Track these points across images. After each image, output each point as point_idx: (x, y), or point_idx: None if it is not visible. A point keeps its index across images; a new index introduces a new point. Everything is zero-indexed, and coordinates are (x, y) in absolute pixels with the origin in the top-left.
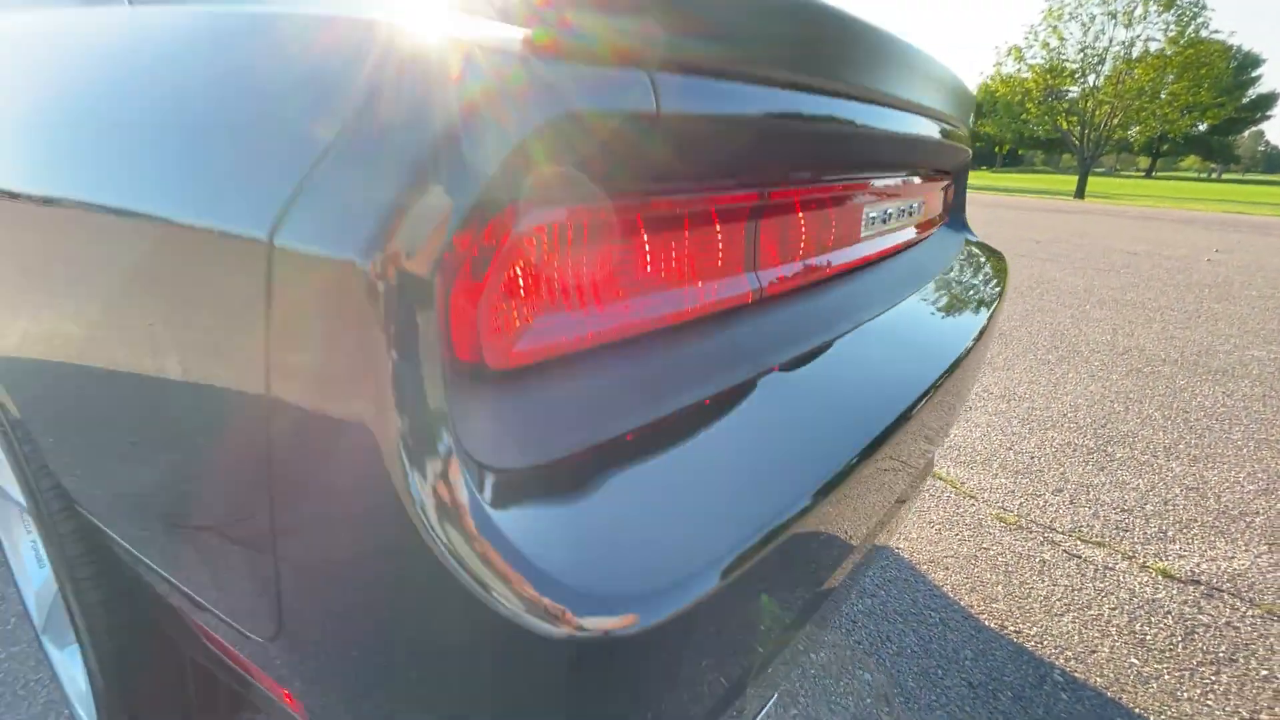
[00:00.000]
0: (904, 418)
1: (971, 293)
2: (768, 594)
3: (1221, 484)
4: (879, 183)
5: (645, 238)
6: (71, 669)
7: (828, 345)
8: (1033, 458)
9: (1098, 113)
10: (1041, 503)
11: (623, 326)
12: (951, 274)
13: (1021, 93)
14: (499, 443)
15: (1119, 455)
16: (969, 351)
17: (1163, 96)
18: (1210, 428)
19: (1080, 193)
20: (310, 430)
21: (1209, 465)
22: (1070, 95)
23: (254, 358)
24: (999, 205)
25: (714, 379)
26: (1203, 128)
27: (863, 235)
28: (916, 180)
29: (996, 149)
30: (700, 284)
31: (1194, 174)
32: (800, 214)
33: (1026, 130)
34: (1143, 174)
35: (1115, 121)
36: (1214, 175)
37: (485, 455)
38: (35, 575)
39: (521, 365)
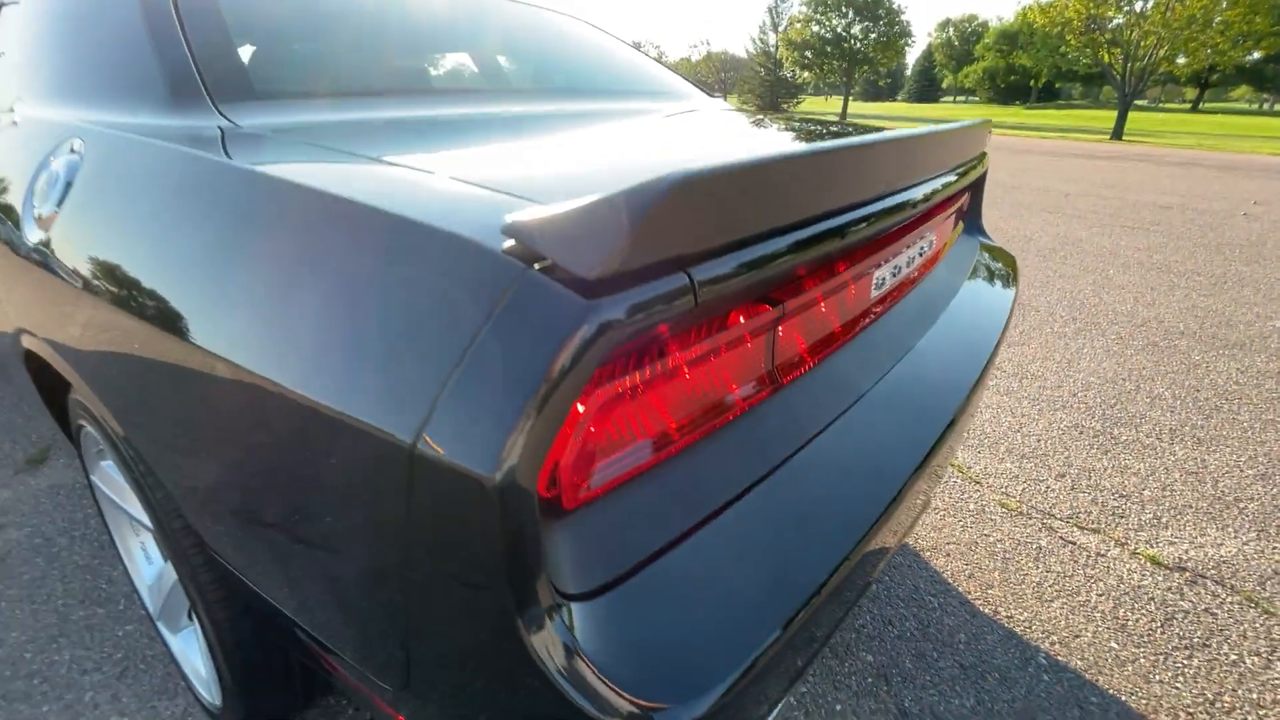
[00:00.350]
0: (934, 450)
1: (985, 309)
2: (813, 630)
3: (1221, 468)
4: (893, 242)
5: (687, 374)
6: (187, 652)
7: (855, 402)
8: (1039, 441)
9: (1143, 44)
10: (1044, 488)
11: (668, 450)
12: (965, 294)
13: (1061, 23)
14: (573, 570)
15: (1124, 438)
16: (986, 365)
17: (1215, 24)
18: (1218, 408)
19: (1118, 133)
20: (443, 576)
21: (1211, 448)
22: (1114, 24)
23: (388, 532)
24: (1030, 151)
25: (751, 465)
26: (1256, 56)
27: (882, 289)
28: (932, 219)
29: (1032, 82)
30: (736, 390)
31: (1245, 104)
32: (821, 304)
33: (1065, 63)
34: (1189, 106)
35: (1161, 53)
36: (1266, 106)
37: (563, 583)
38: (146, 571)
39: (588, 501)
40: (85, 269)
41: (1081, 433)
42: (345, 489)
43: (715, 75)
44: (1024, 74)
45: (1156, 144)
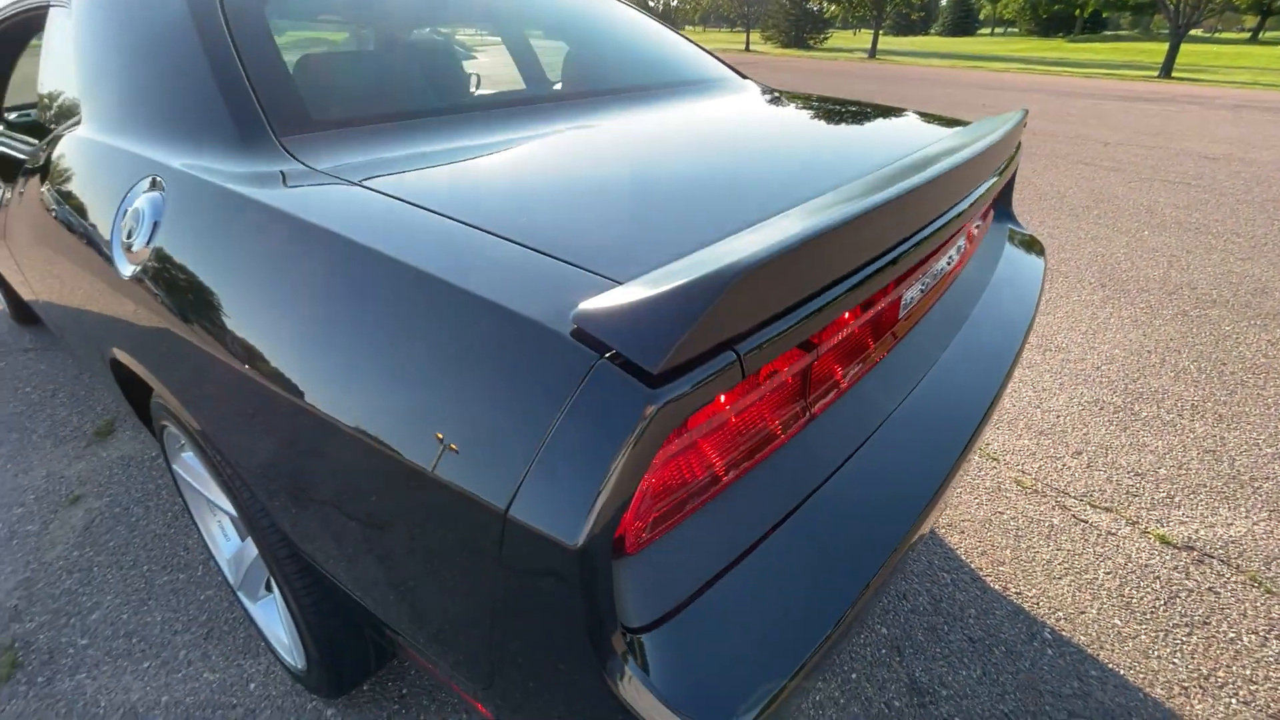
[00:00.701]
0: (964, 452)
1: (1010, 303)
2: (849, 631)
3: (1239, 446)
4: (928, 259)
5: (734, 421)
6: (268, 620)
7: (888, 416)
8: (1059, 416)
9: None
10: (1059, 466)
11: (716, 490)
12: (991, 291)
13: None
14: (635, 606)
15: (1144, 414)
16: (1013, 362)
17: None
18: (1244, 382)
19: (1167, 70)
20: (527, 607)
21: (1232, 426)
22: None
23: (479, 571)
24: (1071, 93)
25: (791, 490)
26: None
27: (912, 304)
28: (966, 225)
29: (1077, 12)
30: (777, 425)
31: None
32: (855, 333)
33: None
34: (1248, 35)
35: None
36: None
37: (626, 617)
38: (225, 546)
39: (648, 544)
40: (179, 306)
41: (1102, 408)
42: (439, 533)
43: (737, 8)
44: (1068, 3)
45: (1208, 82)
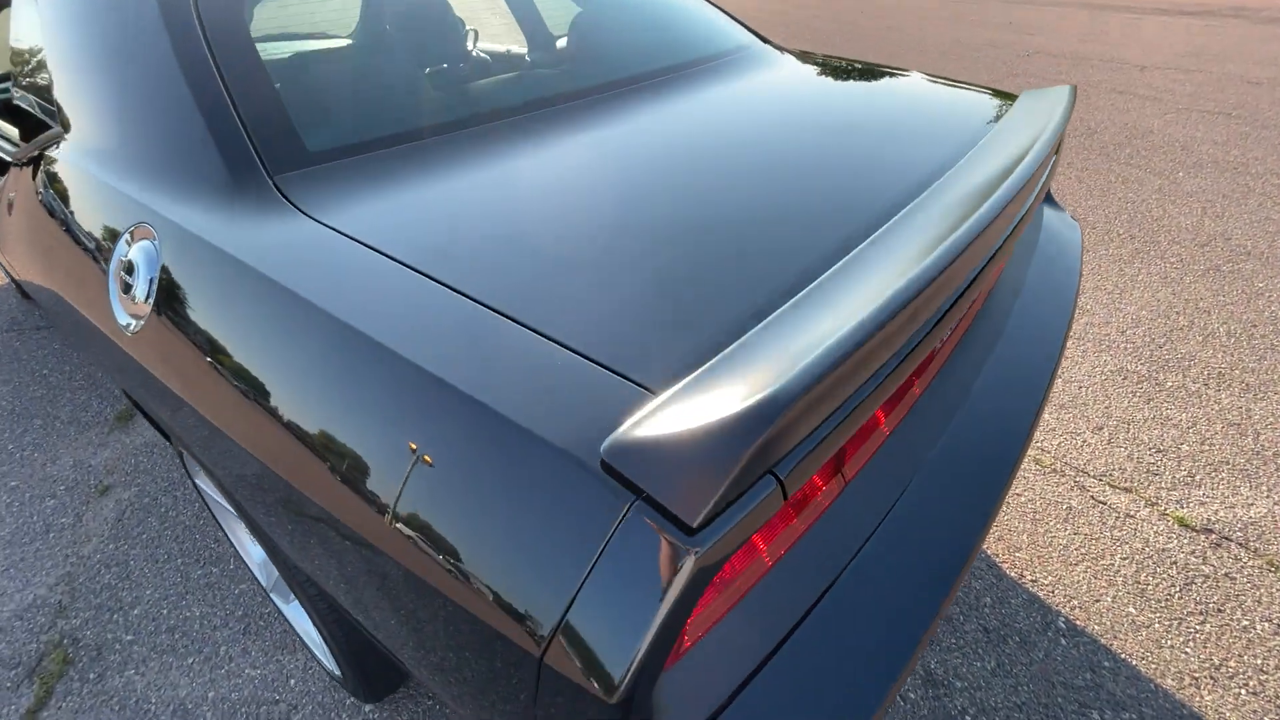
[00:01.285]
0: (1009, 480)
1: (1048, 304)
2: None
3: (1265, 418)
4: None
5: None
6: (300, 620)
7: (925, 461)
8: (1080, 388)
9: None
10: (1080, 443)
11: (753, 581)
12: (1028, 291)
13: None
14: (676, 715)
15: (1169, 384)
16: (1055, 370)
17: None
18: (1274, 346)
19: None
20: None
21: (1258, 396)
22: None
23: (517, 684)
24: (1108, 7)
25: (828, 562)
26: None
27: (949, 336)
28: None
29: None
30: (813, 506)
31: None
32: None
33: None
34: None
35: None
36: None
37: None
38: (254, 551)
39: (686, 651)
40: (180, 370)
41: (1125, 378)
42: (474, 658)
43: None
44: None
45: None
